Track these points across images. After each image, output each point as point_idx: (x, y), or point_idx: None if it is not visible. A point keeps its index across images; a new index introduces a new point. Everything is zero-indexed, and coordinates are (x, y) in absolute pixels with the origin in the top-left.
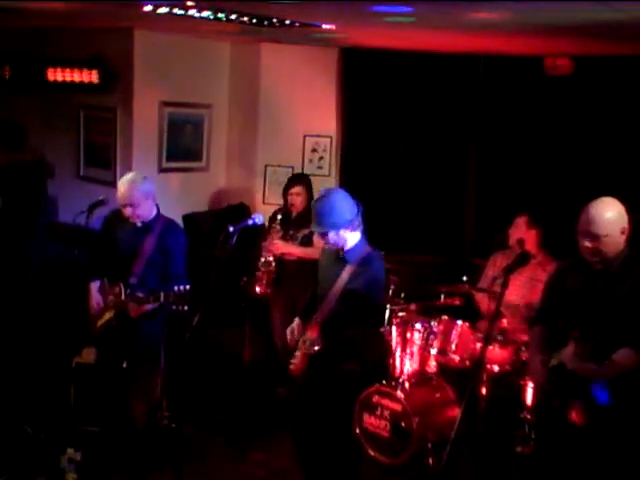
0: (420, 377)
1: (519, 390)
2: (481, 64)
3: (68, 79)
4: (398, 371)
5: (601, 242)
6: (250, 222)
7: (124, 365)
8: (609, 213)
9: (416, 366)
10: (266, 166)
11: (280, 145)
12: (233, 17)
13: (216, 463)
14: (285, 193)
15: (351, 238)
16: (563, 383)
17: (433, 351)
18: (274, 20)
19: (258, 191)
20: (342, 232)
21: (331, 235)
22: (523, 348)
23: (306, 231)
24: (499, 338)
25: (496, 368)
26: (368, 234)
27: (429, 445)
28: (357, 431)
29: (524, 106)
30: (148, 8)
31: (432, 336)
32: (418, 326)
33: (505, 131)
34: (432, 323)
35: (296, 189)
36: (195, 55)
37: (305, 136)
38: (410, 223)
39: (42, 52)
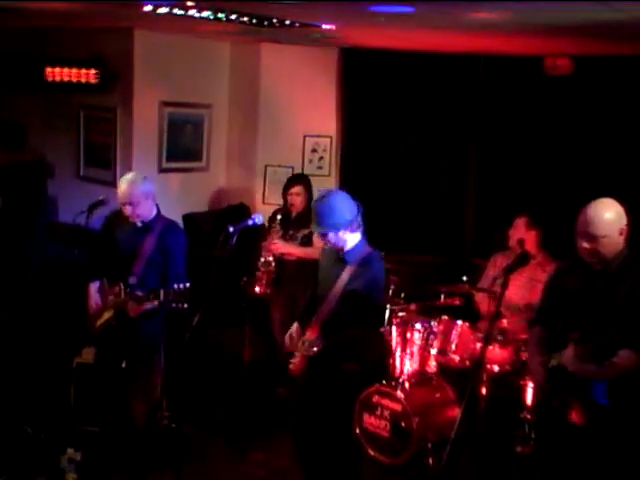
0: (420, 377)
1: (519, 390)
2: (481, 64)
3: (68, 79)
4: (398, 371)
5: (599, 243)
6: (250, 222)
7: (123, 365)
8: (607, 214)
9: (416, 366)
10: (266, 166)
11: (280, 145)
12: (233, 17)
13: (216, 463)
14: (285, 193)
15: (351, 239)
16: (563, 384)
17: (433, 351)
18: (274, 20)
19: (258, 191)
20: (342, 233)
21: (331, 235)
22: (523, 348)
23: (306, 231)
24: (499, 338)
25: (496, 368)
26: (368, 234)
27: (429, 445)
28: (357, 431)
29: (524, 106)
30: (148, 8)
31: (432, 336)
32: (418, 326)
33: (505, 131)
34: (432, 323)
35: (296, 189)
36: (195, 55)
37: (305, 136)
38: (410, 223)
39: (42, 52)
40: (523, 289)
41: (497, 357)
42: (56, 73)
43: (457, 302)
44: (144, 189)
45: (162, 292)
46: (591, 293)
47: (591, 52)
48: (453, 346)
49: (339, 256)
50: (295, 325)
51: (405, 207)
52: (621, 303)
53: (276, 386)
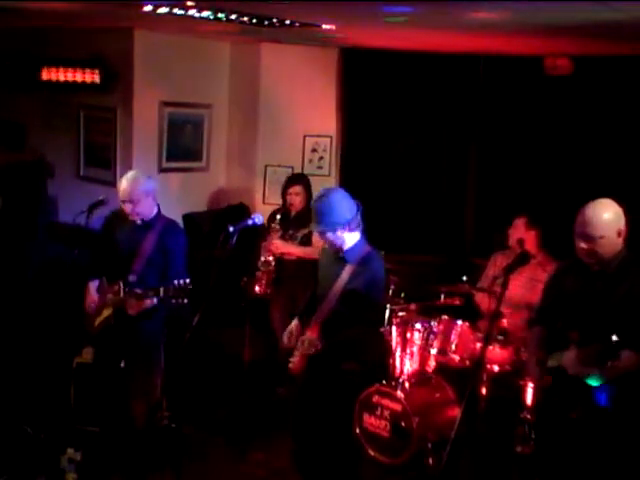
0: (420, 377)
1: (519, 390)
2: (481, 64)
3: (68, 79)
4: (398, 371)
5: (597, 243)
6: (250, 222)
7: (122, 365)
8: (605, 214)
9: (416, 366)
10: (266, 166)
11: (280, 145)
12: (233, 17)
13: (216, 463)
14: (284, 193)
15: (351, 238)
16: (563, 385)
17: (433, 351)
18: (274, 20)
19: (258, 191)
20: (341, 232)
21: (330, 234)
22: (523, 348)
23: (305, 231)
24: (499, 338)
25: (496, 368)
26: (368, 234)
27: (429, 445)
28: (357, 431)
29: (524, 106)
30: (148, 8)
31: (432, 336)
32: (418, 326)
33: (505, 131)
34: (432, 323)
35: (295, 189)
36: (195, 55)
37: (305, 136)
38: (410, 223)
39: (42, 52)
40: (523, 289)
41: (497, 357)
42: (56, 73)
43: (457, 302)
44: (145, 187)
45: (162, 289)
46: (589, 294)
47: (591, 52)
48: (453, 346)
49: (339, 255)
50: (295, 321)
51: (405, 207)
52: (620, 304)
53: (276, 386)
